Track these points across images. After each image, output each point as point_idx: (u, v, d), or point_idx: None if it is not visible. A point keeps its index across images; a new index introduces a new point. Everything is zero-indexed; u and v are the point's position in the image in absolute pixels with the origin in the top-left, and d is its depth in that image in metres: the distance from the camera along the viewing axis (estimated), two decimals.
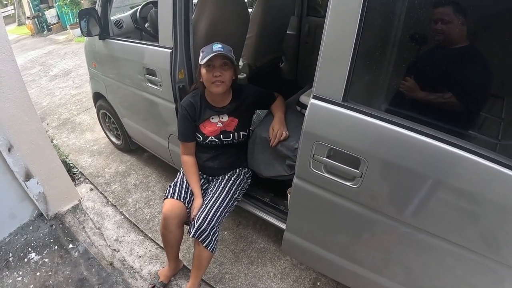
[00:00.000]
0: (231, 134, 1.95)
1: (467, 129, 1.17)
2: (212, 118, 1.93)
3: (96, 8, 2.61)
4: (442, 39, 1.12)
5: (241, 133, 1.96)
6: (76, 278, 2.33)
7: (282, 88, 2.34)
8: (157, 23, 2.12)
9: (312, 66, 1.31)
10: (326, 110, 1.30)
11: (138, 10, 3.02)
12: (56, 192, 2.78)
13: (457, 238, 1.22)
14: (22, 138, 2.42)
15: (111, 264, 2.38)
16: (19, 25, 15.16)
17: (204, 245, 1.80)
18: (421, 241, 1.32)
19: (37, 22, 12.78)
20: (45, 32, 12.53)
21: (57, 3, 11.68)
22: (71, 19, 11.43)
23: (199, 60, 1.77)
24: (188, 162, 2.00)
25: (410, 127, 1.15)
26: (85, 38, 2.95)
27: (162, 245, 2.21)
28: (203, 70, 1.76)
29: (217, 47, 1.72)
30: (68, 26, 11.23)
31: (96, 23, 2.56)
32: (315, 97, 1.33)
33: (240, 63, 2.94)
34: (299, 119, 1.43)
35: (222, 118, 1.94)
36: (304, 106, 1.38)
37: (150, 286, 2.15)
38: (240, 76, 2.90)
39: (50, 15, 12.36)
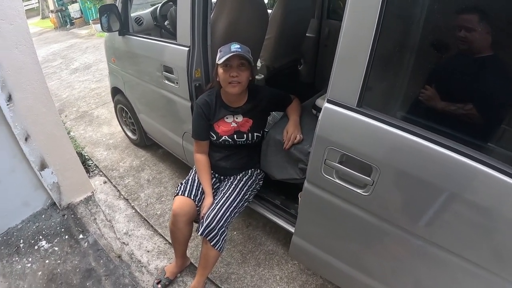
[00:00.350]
0: (245, 135, 1.94)
1: (486, 142, 1.13)
2: (227, 118, 1.93)
3: (116, 4, 2.63)
4: (465, 47, 1.07)
5: (255, 134, 1.95)
6: (84, 268, 2.36)
7: (299, 90, 2.31)
8: (176, 21, 2.12)
9: (331, 69, 1.28)
10: (340, 115, 1.28)
11: (158, 8, 3.04)
12: (70, 183, 2.82)
13: (470, 254, 1.18)
14: (39, 128, 2.46)
15: (119, 256, 2.41)
16: (43, 18, 15.49)
17: (211, 244, 1.79)
18: (432, 255, 1.28)
19: (60, 16, 13.04)
20: (68, 26, 12.77)
21: None
22: (94, 14, 11.61)
23: (217, 60, 1.76)
24: (200, 161, 2.00)
25: (427, 136, 1.12)
26: (106, 33, 2.99)
27: (170, 241, 2.21)
28: (220, 70, 1.75)
29: (235, 47, 1.70)
30: (90, 21, 11.41)
31: (116, 19, 2.58)
32: (329, 101, 1.31)
33: (258, 64, 2.92)
34: (314, 122, 1.41)
35: (236, 118, 1.93)
36: (320, 110, 1.35)
37: (156, 281, 2.15)
38: (257, 77, 2.89)
39: (74, 9, 12.59)
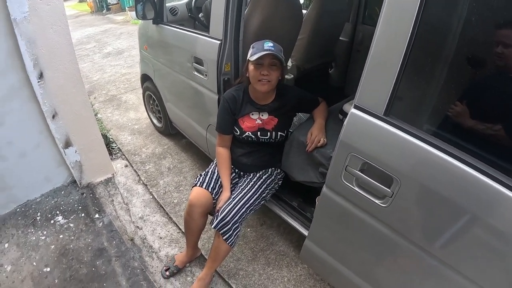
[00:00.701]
0: (268, 133, 1.93)
1: None
2: (252, 114, 1.92)
3: None
4: (501, 64, 1.03)
5: (279, 133, 1.94)
6: (96, 247, 2.42)
7: (328, 94, 2.29)
8: (210, 14, 2.13)
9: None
10: (366, 122, 1.25)
11: (194, 0, 3.07)
12: (92, 163, 2.89)
13: (486, 282, 1.13)
14: (67, 107, 2.52)
15: (132, 240, 2.45)
16: (80, 1, 15.91)
17: (224, 238, 1.79)
18: (445, 277, 1.24)
19: (97, 1, 13.35)
20: (104, 11, 13.06)
21: None
22: (130, 1, 11.80)
23: (248, 55, 1.76)
24: (222, 154, 2.00)
25: (453, 153, 1.08)
26: (140, 21, 3.04)
27: (183, 230, 2.23)
28: (251, 67, 1.75)
29: (268, 45, 1.70)
30: (126, 8, 11.62)
31: (151, 8, 2.62)
32: (356, 107, 1.28)
33: (289, 63, 2.91)
34: (339, 128, 1.39)
35: (262, 115, 1.92)
36: (347, 115, 1.33)
37: (164, 267, 2.18)
38: (287, 77, 2.87)
39: None
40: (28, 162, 2.71)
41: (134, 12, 10.04)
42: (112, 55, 6.89)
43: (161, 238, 2.46)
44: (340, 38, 3.09)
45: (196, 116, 2.72)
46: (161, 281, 2.18)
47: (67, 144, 2.66)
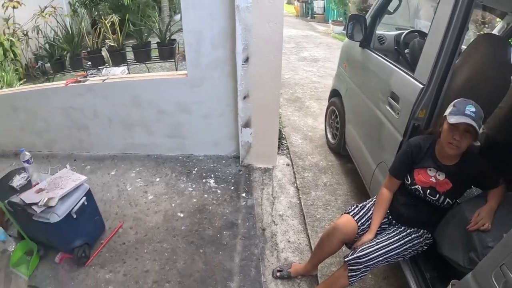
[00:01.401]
0: (437, 195, 1.81)
1: None
2: (430, 170, 1.83)
3: (366, 17, 2.75)
4: None
5: (447, 199, 1.81)
6: (230, 220, 2.68)
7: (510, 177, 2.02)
8: (418, 54, 2.08)
9: None
10: None
11: (403, 35, 3.04)
12: (260, 149, 3.20)
13: None
14: (259, 94, 2.85)
15: (263, 230, 2.62)
16: (288, 3, 17.30)
17: (348, 274, 1.78)
18: None
19: (304, 7, 14.32)
20: (308, 18, 13.97)
21: None
22: (335, 15, 12.18)
23: (447, 112, 1.68)
24: (385, 197, 1.96)
25: None
26: (346, 39, 3.17)
27: (313, 246, 2.28)
28: (445, 125, 1.67)
29: (470, 109, 1.61)
30: (330, 21, 12.04)
31: (361, 31, 2.70)
32: None
33: (480, 129, 2.63)
34: (510, 218, 1.23)
35: (438, 175, 1.82)
36: None
37: (278, 268, 2.28)
38: (473, 143, 2.61)
39: (317, 5, 13.54)
40: (207, 124, 3.23)
41: (336, 27, 10.47)
42: (307, 60, 7.29)
43: (289, 242, 2.55)
44: None
45: (371, 148, 2.67)
46: (268, 277, 2.27)
47: (246, 125, 2.99)
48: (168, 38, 6.26)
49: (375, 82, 2.59)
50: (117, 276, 2.32)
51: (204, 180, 3.12)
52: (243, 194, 2.94)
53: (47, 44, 7.05)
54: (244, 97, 2.86)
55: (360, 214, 1.95)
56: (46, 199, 2.23)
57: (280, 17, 2.56)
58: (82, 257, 2.39)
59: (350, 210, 1.98)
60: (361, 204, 2.03)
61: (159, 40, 6.26)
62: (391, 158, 1.97)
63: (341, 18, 11.40)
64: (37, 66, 7.67)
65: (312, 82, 5.91)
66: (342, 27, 10.46)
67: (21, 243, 2.58)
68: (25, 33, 7.56)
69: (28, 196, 2.30)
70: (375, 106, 2.51)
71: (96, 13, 9.03)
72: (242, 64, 2.70)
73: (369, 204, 2.03)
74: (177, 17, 11.62)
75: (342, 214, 1.99)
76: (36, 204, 2.22)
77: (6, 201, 2.32)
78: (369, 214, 1.96)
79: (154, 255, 2.44)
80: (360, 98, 2.82)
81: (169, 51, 6.11)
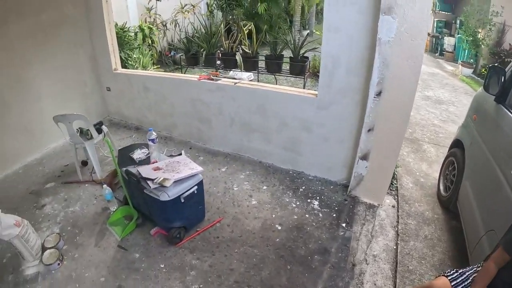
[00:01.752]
0: None
1: None
2: None
3: (506, 70, 2.49)
4: None
5: None
6: (324, 246, 2.67)
7: None
8: None
9: None
10: None
11: None
12: (370, 184, 3.11)
13: None
14: (384, 129, 2.78)
15: (353, 265, 2.53)
16: None
17: None
18: None
19: (433, 42, 13.32)
20: (436, 54, 12.96)
21: (459, 36, 11.51)
22: (465, 56, 11.05)
23: None
24: (490, 272, 1.75)
25: None
26: (480, 88, 2.96)
27: None
28: None
29: None
30: (459, 61, 10.94)
31: (497, 84, 2.47)
32: None
33: None
34: None
35: None
36: None
37: None
38: None
39: (448, 42, 12.44)
40: (325, 147, 3.26)
41: (466, 69, 9.64)
42: (431, 100, 6.89)
43: (375, 285, 2.43)
44: None
45: (484, 212, 2.40)
46: None
47: (364, 157, 2.93)
48: (301, 55, 6.47)
49: (505, 144, 2.31)
50: (203, 264, 2.46)
51: (308, 200, 3.15)
52: (343, 224, 2.88)
53: (185, 39, 7.82)
54: (369, 130, 2.81)
55: (458, 281, 1.78)
56: (162, 178, 2.48)
57: (419, 56, 2.47)
58: (176, 237, 2.61)
59: (448, 274, 1.82)
60: (460, 270, 1.85)
61: (291, 56, 6.49)
62: (502, 229, 1.77)
63: (472, 60, 10.39)
64: (169, 55, 8.61)
65: (433, 125, 5.53)
66: (471, 70, 9.66)
67: (123, 207, 2.93)
68: (164, 24, 8.54)
69: (145, 171, 2.59)
70: (499, 168, 2.26)
71: (230, 17, 9.73)
72: (374, 97, 2.66)
73: (468, 272, 1.83)
74: (305, 32, 11.95)
75: (440, 275, 1.84)
76: (152, 180, 2.48)
77: (124, 169, 2.63)
78: (466, 283, 1.78)
79: (243, 257, 2.53)
80: (485, 156, 2.54)
81: (300, 67, 6.32)
